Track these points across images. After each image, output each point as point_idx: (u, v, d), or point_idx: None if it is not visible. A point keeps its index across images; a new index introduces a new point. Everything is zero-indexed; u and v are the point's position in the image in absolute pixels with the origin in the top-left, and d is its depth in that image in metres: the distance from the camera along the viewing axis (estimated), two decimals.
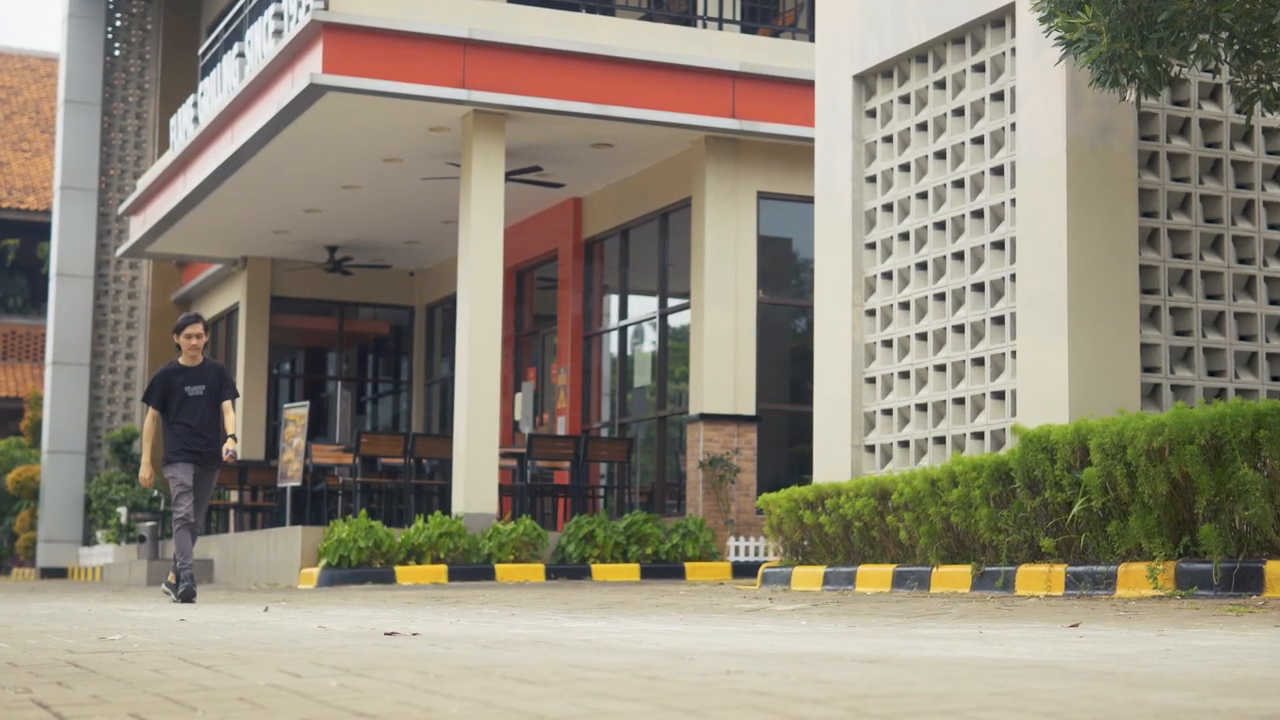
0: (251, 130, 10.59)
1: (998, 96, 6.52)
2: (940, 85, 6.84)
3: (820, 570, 6.69)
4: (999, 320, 6.43)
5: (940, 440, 6.68)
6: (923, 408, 6.79)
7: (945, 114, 6.78)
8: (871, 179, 7.21)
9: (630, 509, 10.53)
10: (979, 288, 6.55)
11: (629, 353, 11.74)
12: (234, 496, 13.44)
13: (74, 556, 15.84)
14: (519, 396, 12.89)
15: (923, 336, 6.84)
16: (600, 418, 11.88)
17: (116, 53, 16.52)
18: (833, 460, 7.15)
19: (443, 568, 9.21)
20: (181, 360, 6.29)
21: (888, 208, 7.11)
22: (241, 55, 10.98)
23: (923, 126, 6.92)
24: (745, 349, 10.27)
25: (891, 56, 7.03)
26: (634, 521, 9.68)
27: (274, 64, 10.19)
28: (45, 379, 16.54)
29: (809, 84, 9.16)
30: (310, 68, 9.66)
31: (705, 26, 11.17)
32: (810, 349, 8.02)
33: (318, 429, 14.86)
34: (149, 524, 12.77)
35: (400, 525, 10.35)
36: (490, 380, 9.85)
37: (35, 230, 21.84)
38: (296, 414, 11.72)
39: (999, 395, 6.40)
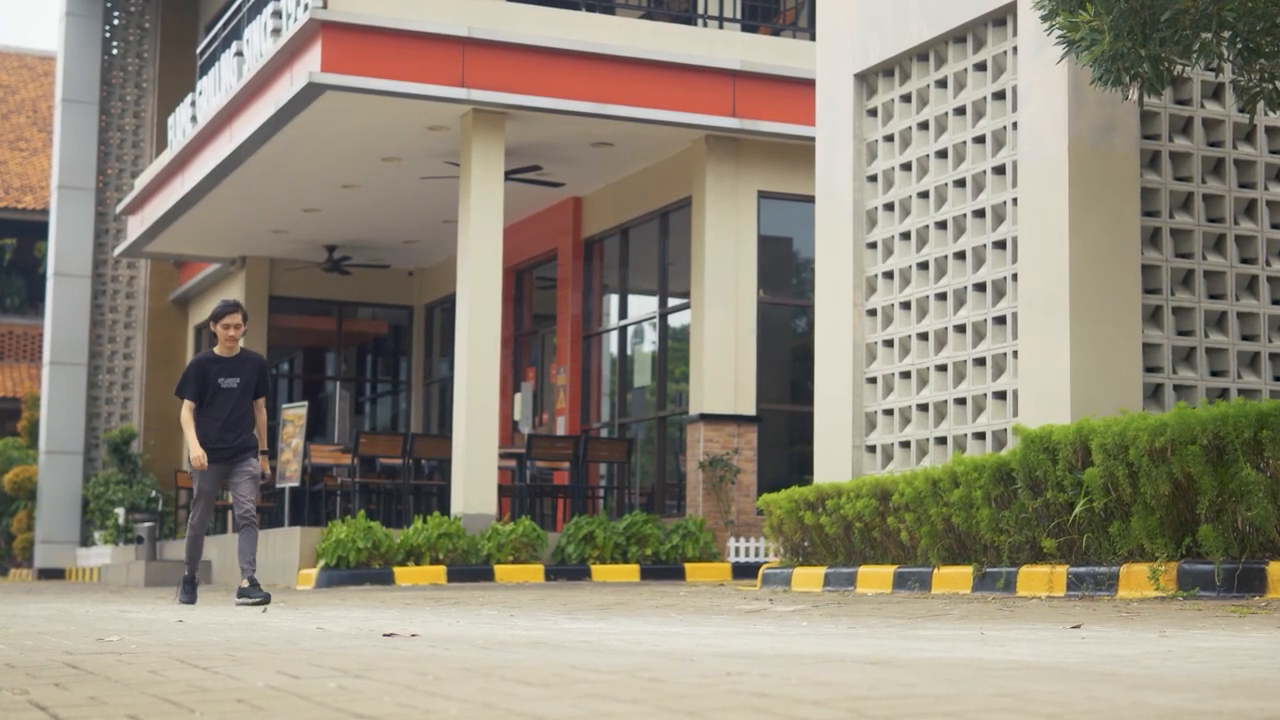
0: (250, 129, 10.57)
1: (999, 95, 6.50)
2: (941, 84, 6.83)
3: (821, 571, 6.67)
4: (1000, 320, 6.42)
5: (941, 440, 6.66)
6: (924, 408, 6.77)
7: (946, 113, 6.76)
8: (872, 178, 7.19)
9: (630, 510, 10.51)
10: (980, 287, 6.53)
11: (629, 353, 11.73)
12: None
13: (71, 557, 15.82)
14: (518, 397, 12.87)
15: (924, 336, 6.82)
16: (600, 418, 11.86)
17: (114, 51, 16.49)
18: (833, 461, 7.13)
19: (442, 569, 9.18)
20: (217, 350, 5.94)
21: (889, 207, 7.09)
22: (240, 54, 10.96)
23: (924, 125, 6.90)
24: (745, 349, 10.25)
25: (892, 55, 7.01)
26: (634, 522, 9.65)
27: (272, 63, 10.17)
28: (42, 379, 16.51)
29: (810, 83, 9.14)
30: (309, 66, 9.64)
31: (705, 25, 11.16)
32: (811, 349, 8.00)
33: (316, 429, 14.84)
34: (146, 525, 12.75)
35: (399, 526, 10.33)
36: (489, 380, 9.83)
37: (32, 230, 21.81)
38: (295, 414, 11.70)
39: (1000, 395, 6.39)
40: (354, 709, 1.74)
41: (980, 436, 6.47)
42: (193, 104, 12.23)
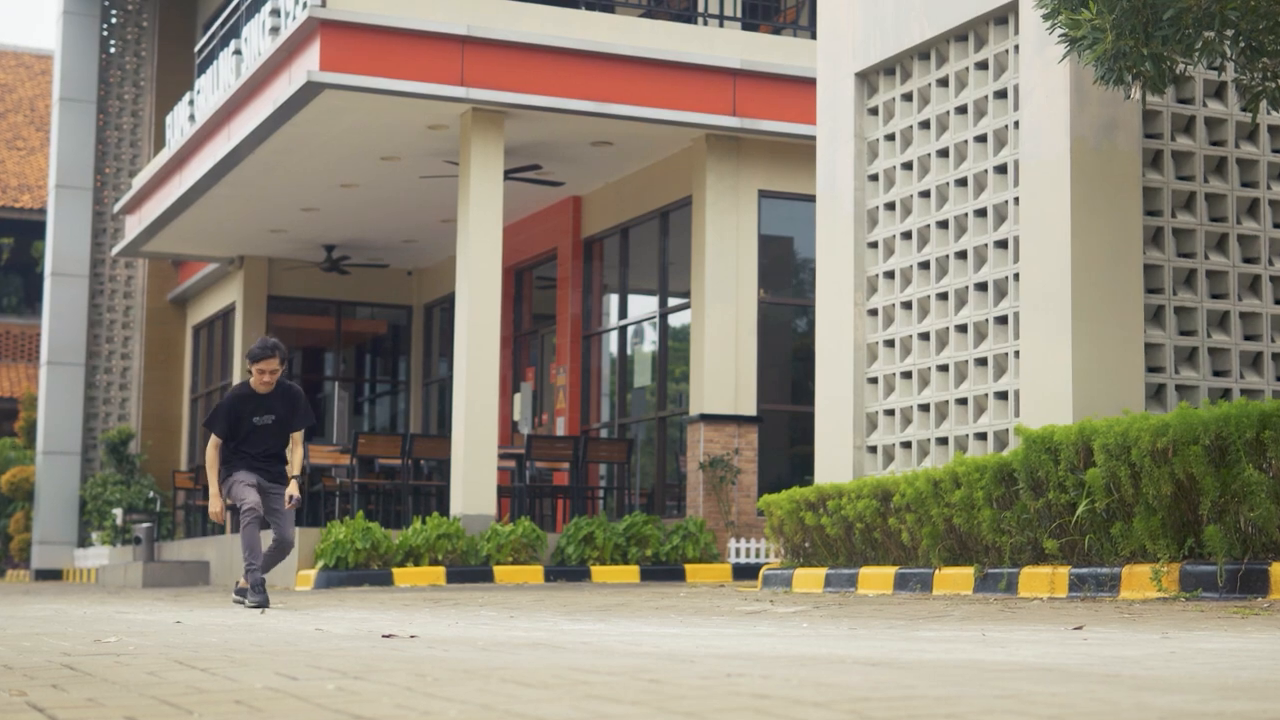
0: (248, 128, 10.55)
1: (1001, 94, 6.48)
2: (943, 83, 6.81)
3: (822, 572, 6.65)
4: (1002, 320, 6.39)
5: (943, 441, 6.63)
6: (925, 408, 6.75)
7: (948, 112, 6.74)
8: (873, 177, 7.17)
9: (630, 510, 10.49)
10: (982, 287, 6.52)
11: (629, 353, 11.71)
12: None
13: (69, 558, 15.79)
14: (518, 397, 12.85)
15: (925, 336, 6.80)
16: (600, 418, 11.84)
17: (112, 50, 16.46)
18: (834, 461, 7.10)
19: (441, 569, 9.16)
20: (252, 383, 5.71)
21: (890, 206, 7.07)
22: (238, 53, 10.93)
23: (925, 124, 6.88)
24: (746, 349, 10.23)
25: (894, 54, 6.99)
26: (634, 523, 9.63)
27: (271, 61, 10.15)
28: (40, 379, 16.47)
29: (810, 81, 9.13)
30: (307, 65, 9.62)
31: (706, 23, 11.14)
32: (811, 349, 7.98)
33: (315, 430, 14.81)
34: (144, 525, 12.72)
35: (398, 527, 10.30)
36: (489, 380, 9.81)
37: (30, 229, 21.78)
38: None
39: (1002, 395, 6.36)
40: (352, 710, 1.74)
41: (982, 437, 6.45)
42: (191, 103, 12.21)
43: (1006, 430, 6.28)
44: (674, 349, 11.04)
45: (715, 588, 7.93)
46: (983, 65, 6.59)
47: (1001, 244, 6.43)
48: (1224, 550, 4.75)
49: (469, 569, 9.23)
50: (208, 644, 3.09)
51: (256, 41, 10.50)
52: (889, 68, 7.12)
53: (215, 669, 2.35)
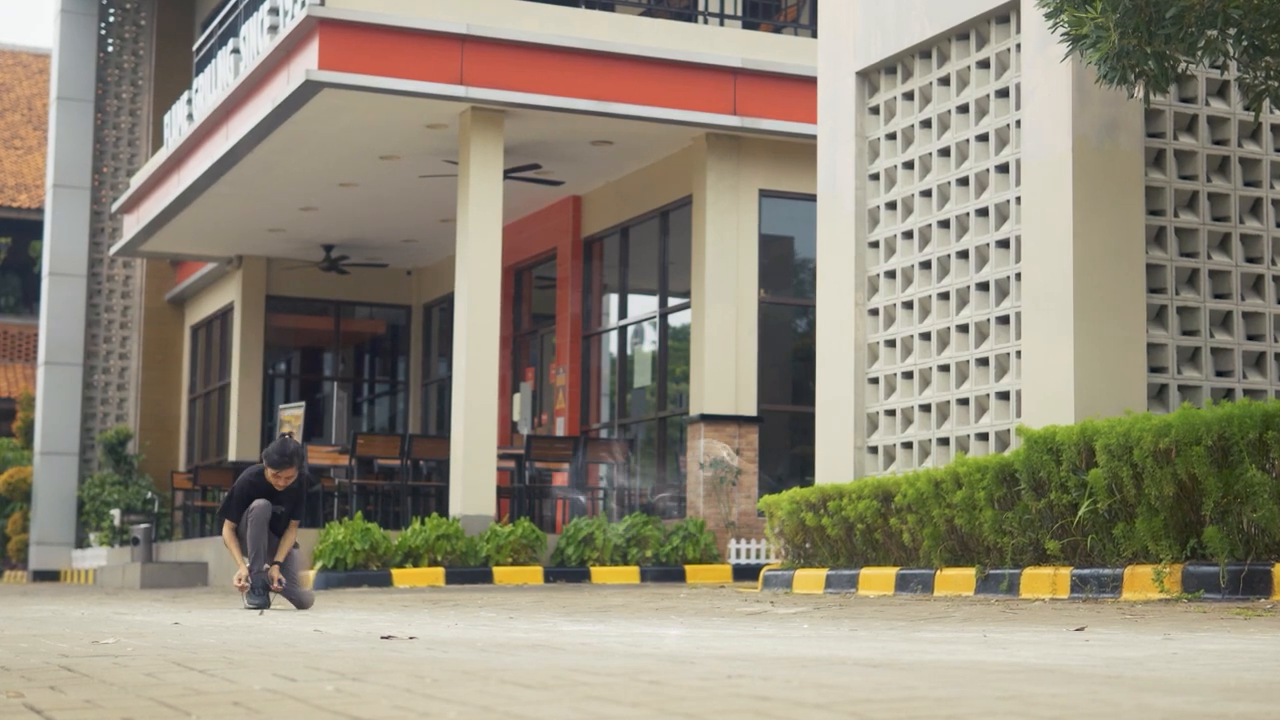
0: (246, 127, 10.52)
1: (1002, 93, 6.46)
2: (944, 82, 6.79)
3: (823, 573, 6.63)
4: (1004, 320, 6.38)
5: (944, 441, 6.61)
6: (926, 408, 6.73)
7: (949, 111, 6.72)
8: (875, 176, 7.15)
9: (630, 511, 10.46)
10: (983, 287, 6.50)
11: (629, 353, 11.68)
12: (226, 495, 13.32)
13: (66, 559, 15.76)
14: (517, 397, 12.83)
15: (926, 336, 6.78)
16: (600, 418, 11.81)
17: (110, 48, 16.44)
18: (835, 461, 7.09)
19: (440, 570, 9.13)
20: (268, 476, 5.74)
21: (891, 206, 7.05)
22: (236, 51, 10.91)
23: (926, 123, 6.86)
24: (746, 349, 10.21)
25: (895, 52, 6.97)
26: (633, 524, 9.61)
27: (269, 60, 10.12)
28: (37, 379, 16.44)
29: (811, 80, 9.10)
30: (306, 64, 9.60)
31: (706, 22, 11.11)
32: (812, 349, 7.96)
33: (313, 430, 14.78)
34: (142, 526, 12.69)
35: (397, 527, 10.28)
36: (488, 380, 9.79)
37: (27, 228, 21.76)
38: (292, 415, 11.64)
39: (1004, 396, 6.34)
40: (351, 712, 1.73)
41: (983, 437, 6.43)
42: (189, 102, 12.18)
43: (1008, 431, 6.26)
44: (674, 349, 11.02)
45: (715, 589, 7.92)
46: (984, 64, 6.57)
47: (1003, 243, 6.41)
48: (1226, 551, 4.74)
49: (468, 570, 9.20)
50: (206, 645, 3.08)
51: (255, 40, 10.48)
52: (890, 66, 7.10)
53: (213, 670, 2.34)
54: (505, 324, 12.50)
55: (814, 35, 9.98)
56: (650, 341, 11.47)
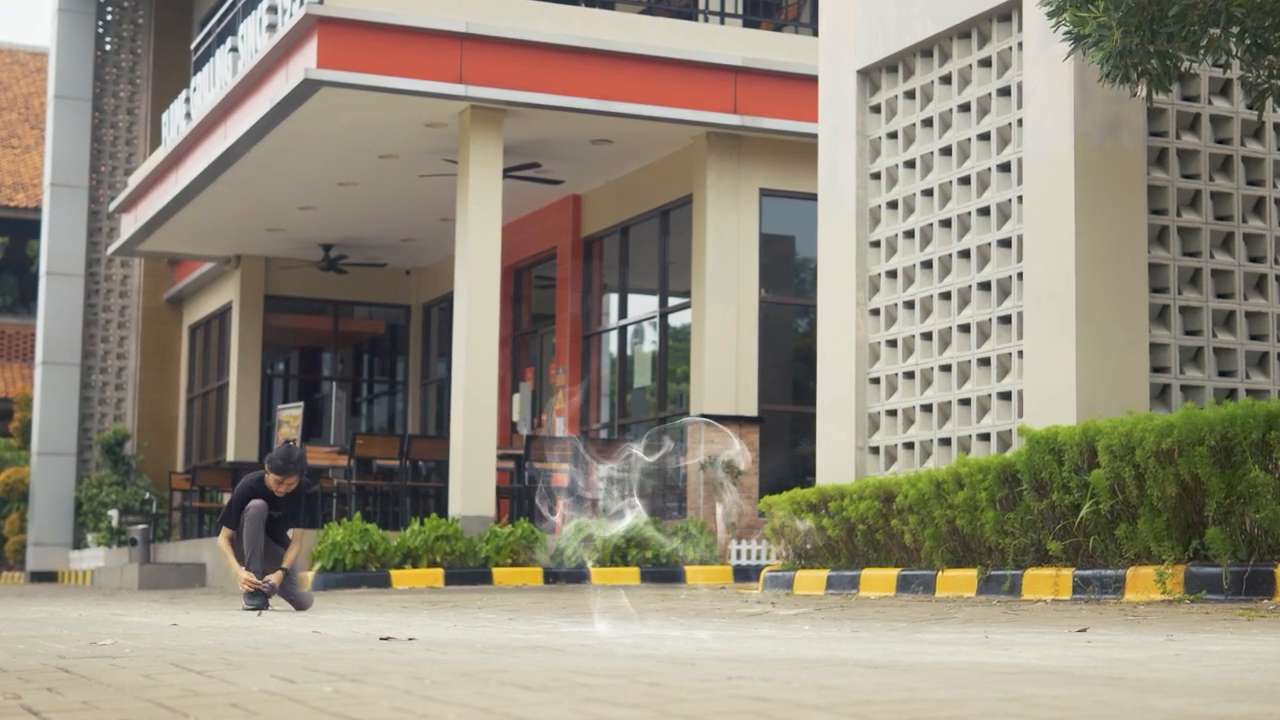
0: (245, 126, 10.50)
1: (1004, 92, 6.44)
2: (946, 80, 6.76)
3: (824, 574, 6.60)
4: (1005, 319, 6.35)
5: (946, 442, 6.59)
6: (928, 408, 6.71)
7: (951, 110, 6.70)
8: (876, 176, 7.13)
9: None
10: (985, 286, 6.47)
11: (629, 353, 11.66)
12: (226, 500, 13.31)
13: (64, 560, 15.72)
14: (516, 397, 12.80)
15: (928, 336, 6.75)
16: (599, 419, 11.79)
17: (108, 47, 16.41)
18: (836, 462, 7.06)
19: (439, 571, 9.11)
20: (268, 482, 5.74)
21: (892, 205, 7.03)
22: (235, 50, 10.89)
23: (928, 122, 6.84)
24: (747, 349, 10.19)
25: (896, 51, 6.95)
26: (633, 524, 9.57)
27: (267, 59, 10.10)
28: (35, 379, 16.42)
29: (812, 79, 9.08)
30: (304, 62, 9.57)
31: (707, 20, 11.10)
32: (813, 349, 7.93)
33: (312, 430, 14.75)
34: (140, 527, 12.66)
35: (396, 528, 10.25)
36: (487, 380, 9.77)
37: (25, 228, 21.73)
38: (290, 415, 11.61)
39: (1005, 396, 6.32)
40: (350, 714, 1.72)
41: (985, 438, 6.40)
42: (187, 100, 12.16)
43: (1010, 431, 6.23)
44: (674, 349, 11.00)
45: (716, 589, 7.90)
46: (986, 63, 6.55)
47: (1005, 243, 6.39)
48: (1229, 552, 4.72)
49: (467, 570, 9.18)
50: (204, 646, 3.06)
51: (253, 39, 10.45)
52: (891, 65, 7.08)
53: (211, 671, 2.33)
54: (505, 324, 12.48)
55: (815, 34, 9.96)
56: (650, 341, 11.45)
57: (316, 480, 11.21)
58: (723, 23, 11.09)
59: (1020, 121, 6.31)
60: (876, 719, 1.59)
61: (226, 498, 13.36)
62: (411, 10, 9.64)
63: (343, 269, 14.16)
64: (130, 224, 14.05)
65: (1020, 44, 6.33)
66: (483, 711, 1.71)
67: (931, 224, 6.77)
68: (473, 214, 9.88)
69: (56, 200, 16.12)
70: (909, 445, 6.81)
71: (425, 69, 9.61)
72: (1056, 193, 6.01)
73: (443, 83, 9.62)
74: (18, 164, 22.28)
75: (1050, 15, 5.29)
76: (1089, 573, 5.19)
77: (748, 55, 10.17)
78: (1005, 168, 6.43)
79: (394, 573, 9.09)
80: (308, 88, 9.52)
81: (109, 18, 16.44)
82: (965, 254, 6.60)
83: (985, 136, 6.54)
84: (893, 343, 6.96)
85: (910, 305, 6.87)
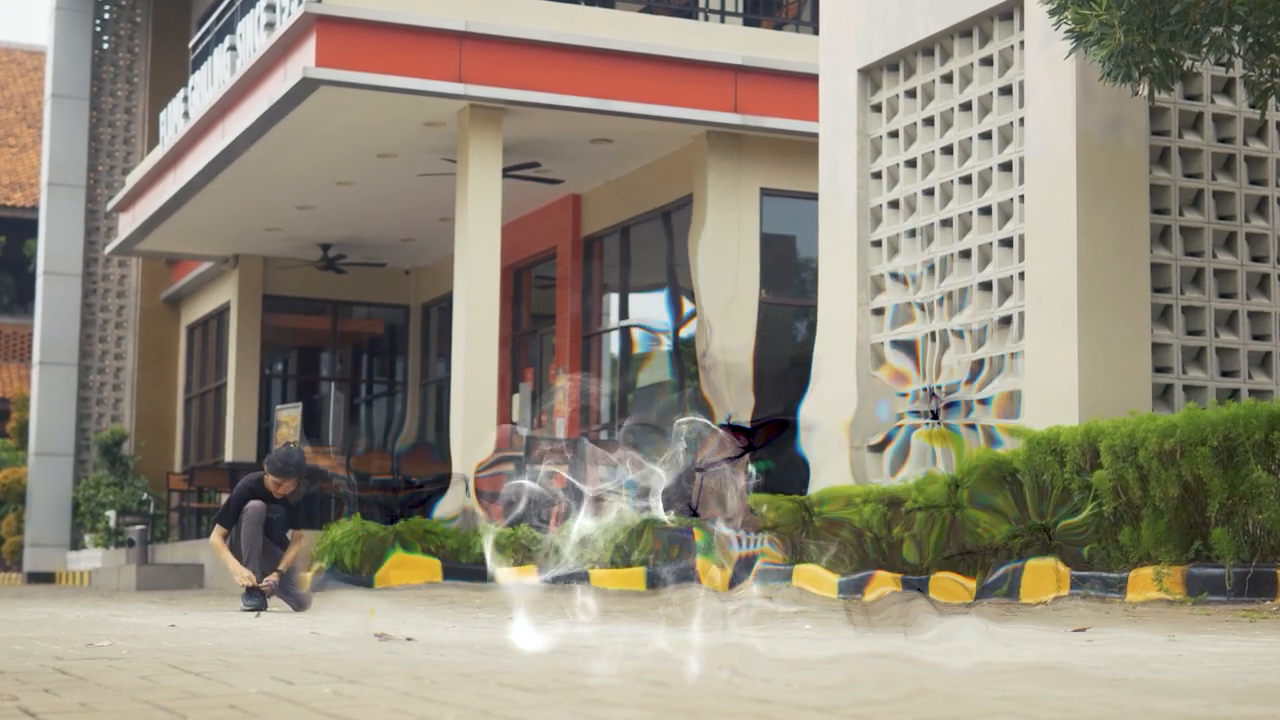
0: (243, 125, 10.47)
1: (1006, 91, 6.42)
2: (947, 79, 6.74)
3: (824, 573, 6.57)
4: (1006, 320, 6.33)
5: None
6: None
7: (952, 109, 6.68)
8: (877, 175, 7.11)
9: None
10: (986, 286, 6.45)
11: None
12: (225, 499, 13.28)
13: (61, 561, 15.68)
14: (516, 398, 12.78)
15: (930, 337, 6.73)
16: (600, 420, 11.76)
17: (105, 46, 16.37)
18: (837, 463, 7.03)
19: (436, 563, 9.09)
20: (267, 484, 5.75)
21: (893, 204, 7.01)
22: (233, 48, 10.86)
23: (929, 121, 6.82)
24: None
25: (897, 50, 6.93)
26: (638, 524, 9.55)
27: (266, 57, 10.07)
28: (32, 379, 16.38)
29: (813, 78, 9.05)
30: (303, 61, 9.54)
31: (707, 19, 11.07)
32: (813, 350, 7.89)
33: (311, 431, 14.71)
34: (138, 528, 12.63)
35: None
36: (487, 381, 9.74)
37: (22, 227, 21.69)
38: (289, 416, 11.58)
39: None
40: (348, 715, 1.71)
41: None
42: (185, 99, 12.13)
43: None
44: None
45: (716, 590, 7.85)
46: (987, 61, 6.53)
47: (1006, 242, 6.37)
48: (1232, 553, 4.70)
49: (467, 570, 9.15)
50: (202, 648, 3.05)
51: (251, 37, 10.43)
52: (892, 64, 7.06)
53: (209, 673, 2.32)
54: (504, 324, 12.43)
55: (815, 32, 9.92)
56: None
57: (316, 482, 11.18)
58: (723, 21, 11.06)
59: (1022, 120, 6.29)
60: (878, 717, 1.57)
61: (225, 498, 13.35)
62: (410, 9, 9.61)
63: (341, 269, 14.13)
64: (128, 223, 14.01)
65: (1022, 42, 6.31)
66: (482, 713, 1.70)
67: (933, 223, 6.75)
68: (472, 213, 9.85)
69: (54, 200, 16.08)
70: None
71: (424, 68, 9.58)
72: (1058, 192, 5.99)
73: (442, 81, 9.59)
74: (15, 163, 22.24)
75: (1052, 13, 5.26)
76: (1090, 574, 5.17)
77: (748, 54, 10.15)
78: (1007, 167, 6.40)
79: (393, 573, 9.06)
80: (306, 86, 9.49)
81: (106, 16, 16.40)
82: (966, 254, 6.58)
83: (986, 135, 6.52)
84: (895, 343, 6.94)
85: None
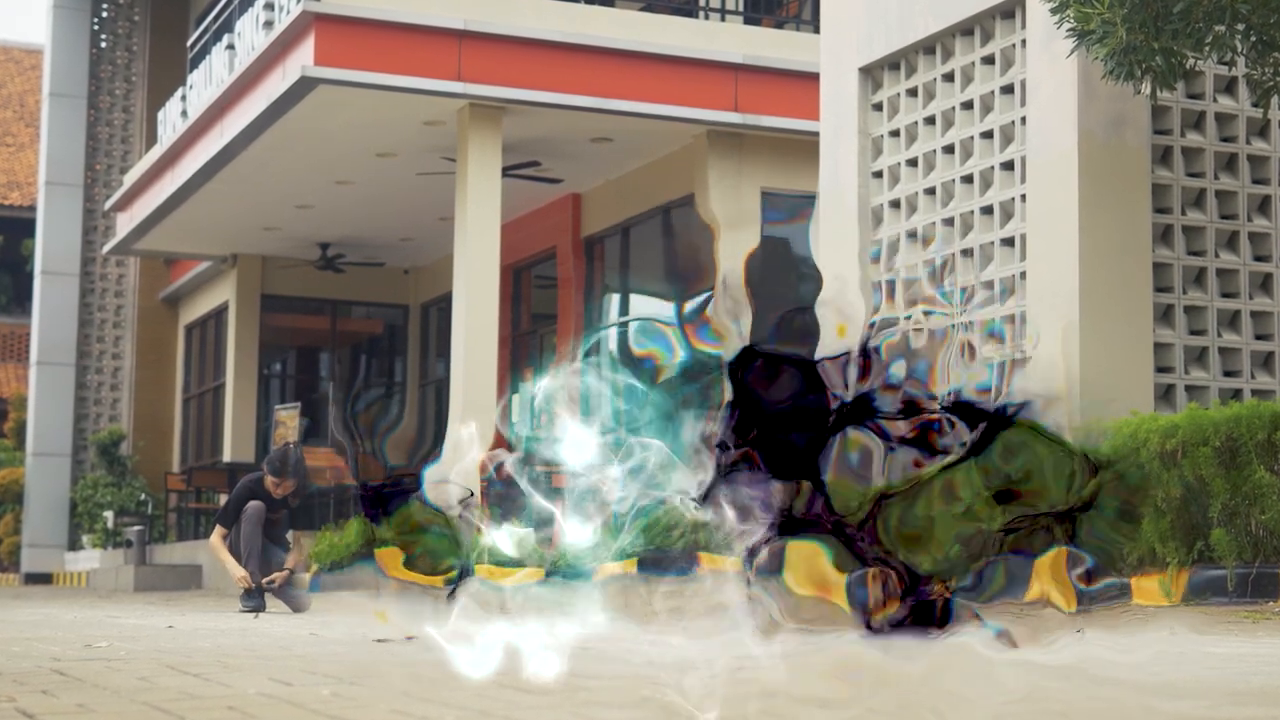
0: (241, 124, 10.45)
1: (1007, 89, 6.40)
2: (949, 78, 6.72)
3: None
4: (1008, 319, 6.31)
5: None
6: None
7: (954, 107, 6.66)
8: (878, 174, 7.09)
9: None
10: (988, 285, 6.43)
11: None
12: (224, 500, 13.26)
13: (59, 562, 15.65)
14: (516, 398, 12.75)
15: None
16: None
17: (103, 44, 16.34)
18: None
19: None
20: (266, 484, 5.77)
21: (895, 204, 6.99)
22: (231, 47, 10.84)
23: (930, 120, 6.80)
24: None
25: (898, 48, 6.91)
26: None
27: (264, 56, 10.05)
28: (29, 379, 16.35)
29: (813, 76, 9.02)
30: (302, 60, 9.52)
31: (707, 18, 11.05)
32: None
33: (310, 431, 14.69)
34: (136, 528, 12.60)
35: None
36: (487, 381, 9.71)
37: (19, 227, 21.67)
38: (288, 416, 11.55)
39: None
40: (348, 716, 1.70)
41: None
42: (183, 98, 12.11)
43: None
44: None
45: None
46: (989, 60, 6.51)
47: (1008, 242, 6.35)
48: (1234, 554, 4.68)
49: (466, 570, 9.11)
50: (200, 649, 3.03)
51: (250, 36, 10.40)
52: (893, 63, 7.04)
53: (208, 674, 2.31)
54: (504, 324, 12.41)
55: (816, 31, 9.90)
56: None
57: (312, 482, 11.15)
58: (723, 20, 11.04)
59: (1023, 119, 6.27)
60: (879, 714, 1.56)
61: (223, 499, 13.33)
62: (410, 7, 9.59)
63: (340, 268, 14.11)
64: (126, 223, 13.98)
65: (1023, 41, 6.29)
66: (481, 714, 1.70)
67: (934, 223, 6.73)
68: (472, 213, 9.83)
69: (51, 199, 16.05)
70: None
71: (423, 66, 9.56)
72: (1060, 191, 5.97)
73: (441, 80, 9.57)
74: (12, 162, 22.21)
75: (1054, 12, 5.25)
76: None
77: (748, 53, 10.13)
78: (1008, 166, 6.39)
79: (393, 572, 9.02)
80: (305, 85, 9.47)
81: (104, 14, 16.37)
82: (968, 253, 6.56)
83: (988, 134, 6.50)
84: None
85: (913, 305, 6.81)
